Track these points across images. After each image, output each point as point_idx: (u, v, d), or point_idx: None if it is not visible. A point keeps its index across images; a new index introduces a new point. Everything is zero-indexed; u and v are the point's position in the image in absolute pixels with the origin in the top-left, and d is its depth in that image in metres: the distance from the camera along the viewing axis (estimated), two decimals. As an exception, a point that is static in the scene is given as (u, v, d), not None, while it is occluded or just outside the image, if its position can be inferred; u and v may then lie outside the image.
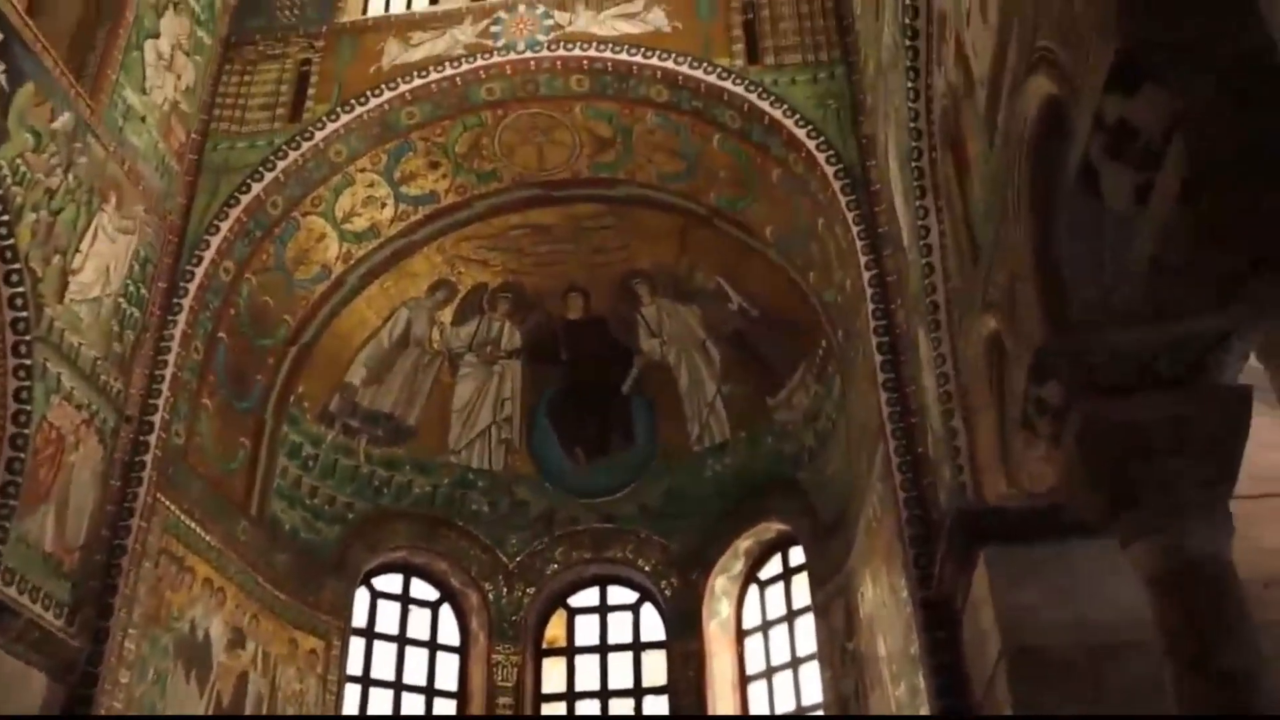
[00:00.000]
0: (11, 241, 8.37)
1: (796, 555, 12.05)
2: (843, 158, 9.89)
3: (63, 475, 8.75)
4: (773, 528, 12.28)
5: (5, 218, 8.31)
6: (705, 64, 10.68)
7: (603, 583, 13.33)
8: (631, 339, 13.22)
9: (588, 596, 13.39)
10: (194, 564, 10.05)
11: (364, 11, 12.26)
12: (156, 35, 10.52)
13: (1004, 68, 4.73)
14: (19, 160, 8.50)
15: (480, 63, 11.09)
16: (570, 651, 13.16)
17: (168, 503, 9.68)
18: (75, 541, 8.82)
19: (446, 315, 13.00)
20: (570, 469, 13.27)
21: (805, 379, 11.72)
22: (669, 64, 10.71)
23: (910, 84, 7.12)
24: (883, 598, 8.85)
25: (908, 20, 7.00)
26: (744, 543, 12.45)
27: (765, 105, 10.37)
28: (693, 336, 12.95)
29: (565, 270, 12.96)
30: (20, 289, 8.43)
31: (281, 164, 10.82)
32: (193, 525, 10.04)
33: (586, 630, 13.29)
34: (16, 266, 8.40)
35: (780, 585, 12.32)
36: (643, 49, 10.83)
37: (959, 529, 6.64)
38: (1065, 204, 4.18)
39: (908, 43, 7.03)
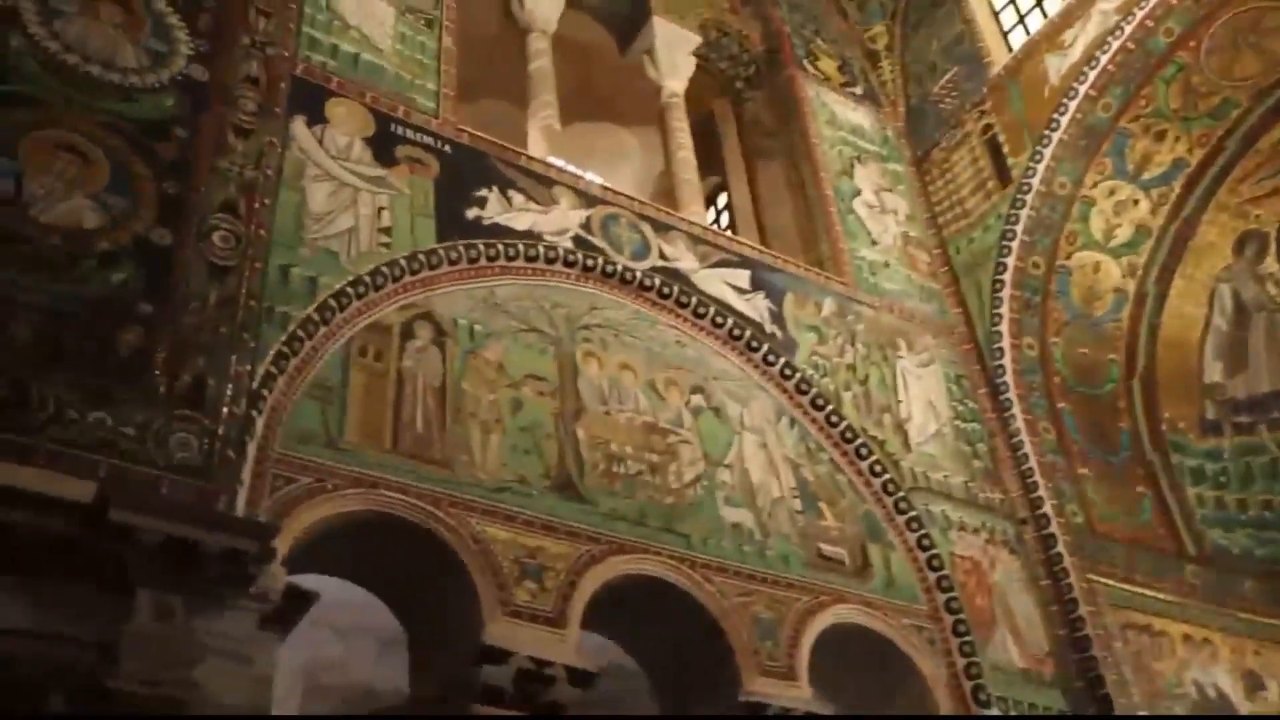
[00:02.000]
0: (846, 422, 9.26)
1: None
2: None
3: (996, 595, 9.11)
4: None
5: (830, 407, 9.25)
6: None
7: None
8: None
9: None
10: (1164, 626, 9.70)
11: (1009, 50, 11.98)
12: (857, 192, 11.33)
13: None
14: (814, 357, 9.53)
15: (1141, 12, 10.25)
16: None
17: (1102, 579, 9.56)
18: (1040, 649, 9.02)
19: (1270, 264, 11.50)
20: None
21: None
22: None
23: None
24: None
25: None
26: None
27: None
28: None
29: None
30: (873, 458, 9.22)
31: (1018, 227, 10.78)
32: (1139, 590, 9.76)
33: None
34: (860, 441, 9.23)
35: None
36: None
37: None
38: None
39: None
